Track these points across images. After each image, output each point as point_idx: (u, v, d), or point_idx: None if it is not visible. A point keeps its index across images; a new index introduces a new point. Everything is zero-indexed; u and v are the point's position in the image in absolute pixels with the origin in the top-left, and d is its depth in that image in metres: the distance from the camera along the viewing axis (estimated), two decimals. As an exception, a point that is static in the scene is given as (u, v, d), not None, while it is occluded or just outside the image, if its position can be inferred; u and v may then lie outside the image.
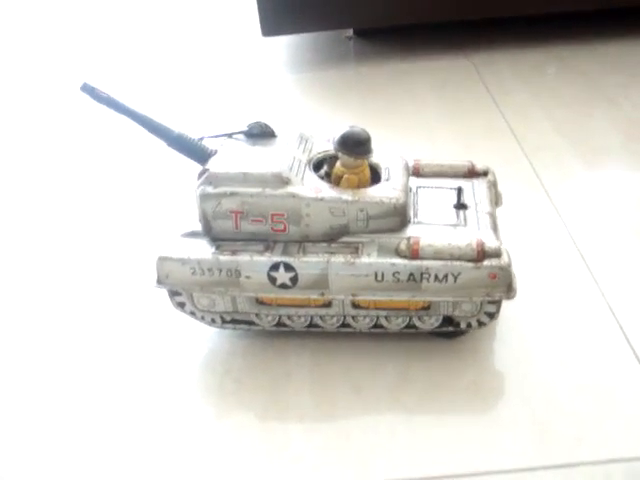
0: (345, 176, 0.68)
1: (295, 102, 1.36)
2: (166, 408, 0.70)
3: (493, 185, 0.75)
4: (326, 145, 0.73)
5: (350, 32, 1.63)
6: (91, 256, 0.94)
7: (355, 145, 0.67)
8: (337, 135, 0.68)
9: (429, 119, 1.22)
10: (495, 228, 0.69)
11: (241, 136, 0.72)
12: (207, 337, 0.77)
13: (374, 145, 0.68)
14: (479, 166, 0.76)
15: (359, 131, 0.67)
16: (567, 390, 0.68)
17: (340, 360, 0.73)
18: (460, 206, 0.70)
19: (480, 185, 0.74)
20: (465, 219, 0.69)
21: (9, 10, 2.19)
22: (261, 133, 0.71)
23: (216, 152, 0.70)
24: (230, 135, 0.72)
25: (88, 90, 0.69)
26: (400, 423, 0.66)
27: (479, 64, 1.42)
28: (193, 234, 0.70)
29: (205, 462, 0.64)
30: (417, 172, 0.75)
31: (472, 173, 0.75)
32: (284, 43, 1.63)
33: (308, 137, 0.73)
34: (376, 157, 0.71)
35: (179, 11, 2.01)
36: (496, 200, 0.75)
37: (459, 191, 0.70)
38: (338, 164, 0.69)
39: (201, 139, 0.71)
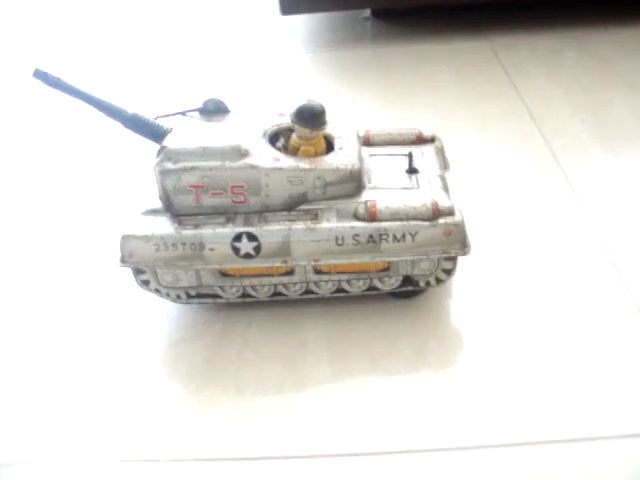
0: (302, 147, 0.70)
1: (310, 81, 1.35)
2: (186, 379, 0.70)
3: (440, 151, 0.78)
4: (279, 119, 0.75)
5: (367, 12, 1.62)
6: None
7: (311, 117, 0.69)
8: (294, 108, 0.70)
9: (446, 101, 1.22)
10: (446, 189, 0.72)
11: (195, 113, 0.74)
12: (224, 309, 0.77)
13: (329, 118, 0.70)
14: (426, 133, 0.79)
15: (315, 104, 0.70)
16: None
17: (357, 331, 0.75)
18: (411, 170, 0.74)
19: (429, 151, 0.77)
20: (417, 182, 0.72)
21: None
22: (215, 109, 0.73)
23: (172, 130, 0.71)
24: (184, 113, 0.73)
25: (40, 76, 0.69)
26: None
27: (498, 47, 1.41)
28: (154, 211, 0.71)
29: (223, 432, 0.65)
30: (368, 141, 0.78)
31: (420, 140, 0.78)
32: (301, 22, 1.62)
33: (260, 111, 0.75)
34: (329, 128, 0.73)
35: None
36: (444, 165, 0.78)
37: (410, 156, 0.73)
38: (294, 136, 0.71)
39: (156, 118, 0.72)
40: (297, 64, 1.44)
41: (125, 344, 0.76)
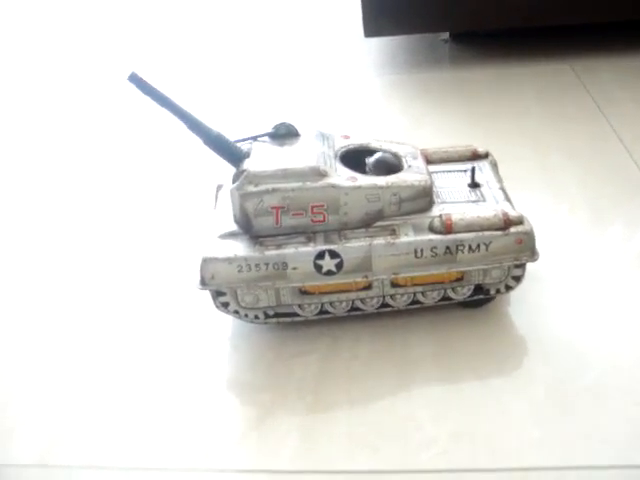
0: None
1: (391, 103, 1.38)
2: (299, 393, 0.72)
3: (495, 165, 0.82)
4: (344, 141, 0.78)
5: (446, 35, 1.64)
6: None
7: (386, 169, 0.74)
8: (372, 159, 0.75)
9: (531, 124, 1.22)
10: (510, 200, 0.76)
11: (266, 138, 0.76)
12: (331, 325, 0.78)
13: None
14: (480, 149, 0.83)
15: (390, 157, 0.75)
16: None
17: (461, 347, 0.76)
18: (474, 185, 0.77)
19: (485, 166, 0.81)
20: (482, 195, 0.76)
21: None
22: (287, 133, 0.76)
23: (249, 154, 0.73)
24: (256, 138, 0.76)
25: (136, 81, 0.71)
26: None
27: (580, 70, 1.40)
28: (231, 234, 0.73)
29: (339, 446, 0.66)
30: (426, 160, 0.81)
31: (475, 156, 0.82)
32: (381, 45, 1.65)
33: (328, 135, 0.78)
34: (393, 147, 0.77)
35: (284, 9, 2.05)
36: (499, 179, 0.82)
37: (472, 171, 0.77)
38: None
39: (236, 142, 0.74)
40: (377, 86, 1.47)
41: (241, 360, 0.77)
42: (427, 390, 0.71)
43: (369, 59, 1.61)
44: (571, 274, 0.85)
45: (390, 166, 0.75)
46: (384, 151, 0.76)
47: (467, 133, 1.20)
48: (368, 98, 1.42)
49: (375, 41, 1.63)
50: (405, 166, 0.75)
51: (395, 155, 0.76)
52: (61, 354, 0.81)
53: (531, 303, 0.80)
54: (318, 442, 0.66)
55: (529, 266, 0.75)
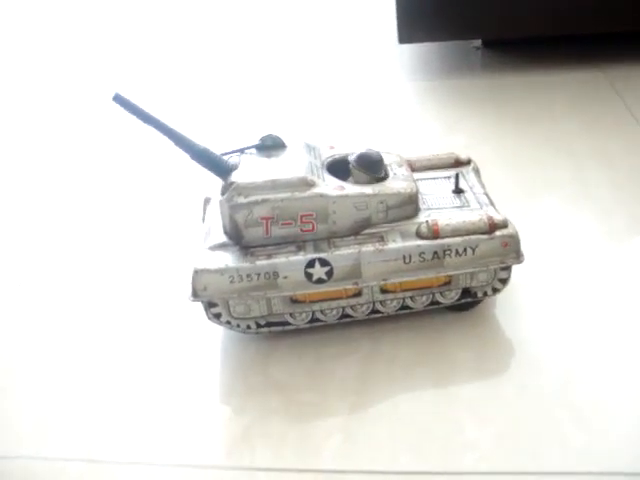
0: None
1: (422, 109, 1.39)
2: (341, 393, 0.72)
3: (477, 172, 0.84)
4: (330, 151, 0.79)
5: (478, 42, 1.64)
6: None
7: (371, 164, 0.75)
8: (354, 155, 0.76)
9: (564, 132, 1.21)
10: (494, 205, 0.77)
11: (253, 150, 0.77)
12: (371, 326, 0.79)
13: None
14: (463, 156, 0.85)
15: (373, 153, 0.76)
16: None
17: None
18: (458, 191, 0.79)
19: (468, 172, 0.83)
20: (467, 200, 0.77)
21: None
22: (273, 145, 0.77)
23: (237, 166, 0.74)
24: (243, 150, 0.77)
25: (120, 101, 0.71)
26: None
27: (614, 78, 1.39)
28: (221, 245, 0.74)
29: (381, 446, 0.67)
30: (411, 168, 0.83)
31: (458, 163, 0.84)
32: (411, 51, 1.66)
33: (314, 145, 0.79)
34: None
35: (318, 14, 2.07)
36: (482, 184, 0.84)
37: (457, 177, 0.79)
38: (350, 179, 0.76)
39: (223, 155, 0.75)
40: (410, 91, 1.48)
41: (282, 361, 0.77)
42: (469, 393, 0.71)
43: (401, 65, 1.63)
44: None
45: (373, 161, 0.75)
46: (368, 149, 0.77)
47: (500, 139, 1.21)
48: (401, 104, 1.43)
49: (407, 47, 1.63)
50: (391, 174, 0.77)
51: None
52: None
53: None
54: (360, 442, 0.67)
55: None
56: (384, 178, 0.77)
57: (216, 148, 0.76)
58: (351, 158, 0.76)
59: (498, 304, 0.82)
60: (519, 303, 0.82)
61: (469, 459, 0.64)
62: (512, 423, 0.68)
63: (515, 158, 1.12)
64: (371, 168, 0.75)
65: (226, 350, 0.80)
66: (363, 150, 0.76)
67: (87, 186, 1.22)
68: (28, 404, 0.75)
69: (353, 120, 1.35)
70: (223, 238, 0.75)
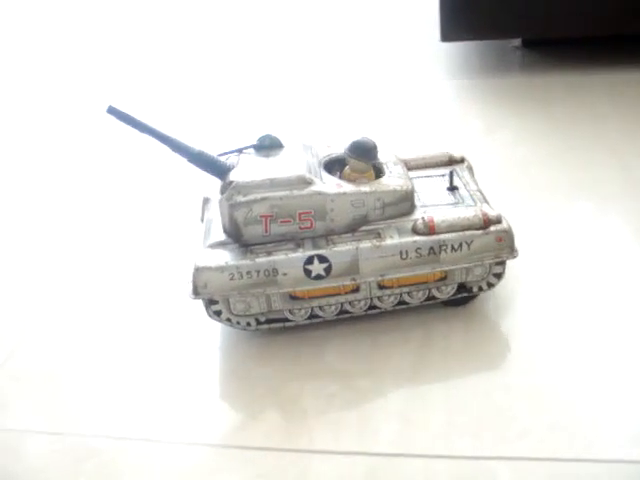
0: (358, 180, 0.76)
1: (463, 107, 1.39)
2: (397, 377, 0.74)
3: (470, 169, 0.86)
4: (327, 150, 0.81)
5: (518, 42, 1.64)
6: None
7: (365, 151, 0.76)
8: (348, 143, 0.77)
9: (610, 133, 1.20)
10: (487, 201, 0.79)
11: (251, 150, 0.78)
12: (424, 316, 0.81)
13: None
14: (456, 154, 0.87)
15: (367, 140, 0.77)
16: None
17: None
18: (453, 188, 0.81)
19: (462, 170, 0.85)
20: (461, 197, 0.79)
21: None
22: (271, 144, 0.78)
23: (234, 166, 0.76)
24: (240, 150, 0.78)
25: (113, 112, 0.72)
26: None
27: None
28: (220, 243, 0.75)
29: (436, 429, 0.68)
30: (406, 166, 0.84)
31: (452, 161, 0.86)
32: (451, 49, 1.66)
33: (310, 145, 0.81)
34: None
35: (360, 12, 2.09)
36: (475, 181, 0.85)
37: (451, 175, 0.80)
38: (347, 169, 0.78)
39: (219, 155, 0.77)
40: (451, 90, 1.49)
41: (340, 348, 0.79)
42: (523, 380, 0.73)
43: (440, 63, 1.64)
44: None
45: (368, 148, 0.77)
46: (362, 136, 0.78)
47: (541, 138, 1.22)
48: (442, 101, 1.44)
49: (445, 46, 1.63)
50: (387, 172, 0.78)
51: (376, 163, 0.79)
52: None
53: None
54: (417, 427, 0.68)
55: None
56: (380, 171, 0.78)
57: (218, 148, 0.77)
58: (345, 147, 0.77)
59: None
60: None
61: (524, 445, 0.66)
62: (566, 411, 0.69)
63: (557, 157, 1.12)
64: (366, 155, 0.76)
65: (284, 338, 0.81)
66: (357, 138, 0.78)
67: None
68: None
69: (396, 118, 1.36)
70: (222, 237, 0.76)
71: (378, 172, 0.79)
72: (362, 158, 0.76)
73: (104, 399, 0.76)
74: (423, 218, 0.74)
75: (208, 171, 0.76)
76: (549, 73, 1.49)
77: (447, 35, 1.50)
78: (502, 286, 0.81)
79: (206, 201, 0.85)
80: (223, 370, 0.79)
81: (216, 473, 0.67)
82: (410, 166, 0.85)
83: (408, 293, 0.78)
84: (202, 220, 0.84)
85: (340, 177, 0.78)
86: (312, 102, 1.50)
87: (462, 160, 0.86)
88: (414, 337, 0.79)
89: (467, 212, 0.75)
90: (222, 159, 0.76)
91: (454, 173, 0.81)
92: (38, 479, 0.68)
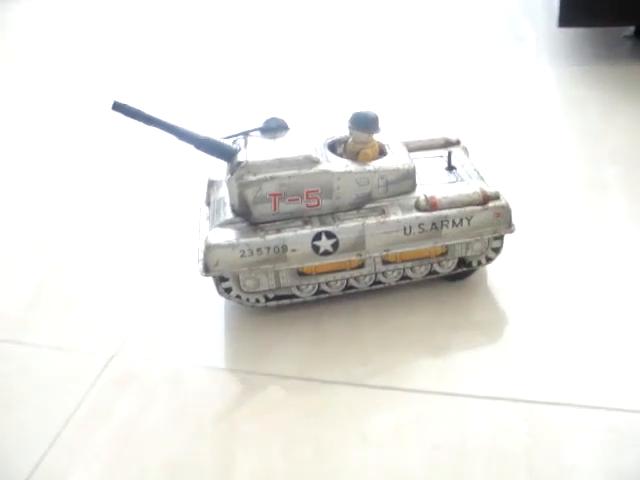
0: (361, 151, 0.79)
1: (579, 93, 1.38)
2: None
3: (466, 150, 0.89)
4: (331, 131, 0.84)
5: (630, 31, 1.62)
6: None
7: (367, 123, 0.79)
8: (350, 115, 0.80)
9: None
10: (483, 179, 0.83)
11: (258, 132, 0.81)
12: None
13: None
14: (452, 137, 0.90)
15: (368, 112, 0.80)
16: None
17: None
18: (451, 168, 0.84)
19: (458, 151, 0.88)
20: (459, 176, 0.83)
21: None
22: (277, 127, 0.81)
23: (240, 149, 0.78)
24: (247, 133, 0.81)
25: (119, 108, 0.74)
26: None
27: None
28: (229, 222, 0.78)
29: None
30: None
31: (448, 143, 0.89)
32: (560, 36, 1.65)
33: (315, 127, 0.83)
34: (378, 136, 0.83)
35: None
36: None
37: (449, 155, 0.84)
38: (351, 141, 0.80)
39: (226, 138, 0.79)
40: (558, 76, 1.49)
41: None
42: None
43: (549, 50, 1.63)
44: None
45: (369, 119, 0.79)
46: (363, 108, 0.81)
47: None
48: (557, 88, 1.44)
49: (552, 33, 1.64)
50: (389, 152, 0.81)
51: (379, 143, 0.82)
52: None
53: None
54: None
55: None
56: (383, 151, 0.81)
57: (225, 132, 0.80)
58: (347, 120, 0.80)
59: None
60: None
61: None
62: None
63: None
64: (368, 126, 0.79)
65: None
66: (359, 110, 0.80)
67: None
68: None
69: (507, 102, 1.38)
70: (231, 216, 0.79)
71: (381, 152, 0.82)
72: (364, 129, 0.79)
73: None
74: (425, 195, 0.78)
75: (215, 155, 0.78)
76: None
77: (565, 21, 1.50)
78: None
79: (211, 184, 0.88)
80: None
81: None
82: (409, 148, 0.87)
83: (411, 268, 0.81)
84: (207, 202, 0.86)
85: (344, 149, 0.81)
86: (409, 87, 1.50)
87: (458, 142, 0.90)
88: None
89: (467, 189, 0.79)
90: (228, 142, 0.79)
91: (451, 154, 0.85)
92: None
